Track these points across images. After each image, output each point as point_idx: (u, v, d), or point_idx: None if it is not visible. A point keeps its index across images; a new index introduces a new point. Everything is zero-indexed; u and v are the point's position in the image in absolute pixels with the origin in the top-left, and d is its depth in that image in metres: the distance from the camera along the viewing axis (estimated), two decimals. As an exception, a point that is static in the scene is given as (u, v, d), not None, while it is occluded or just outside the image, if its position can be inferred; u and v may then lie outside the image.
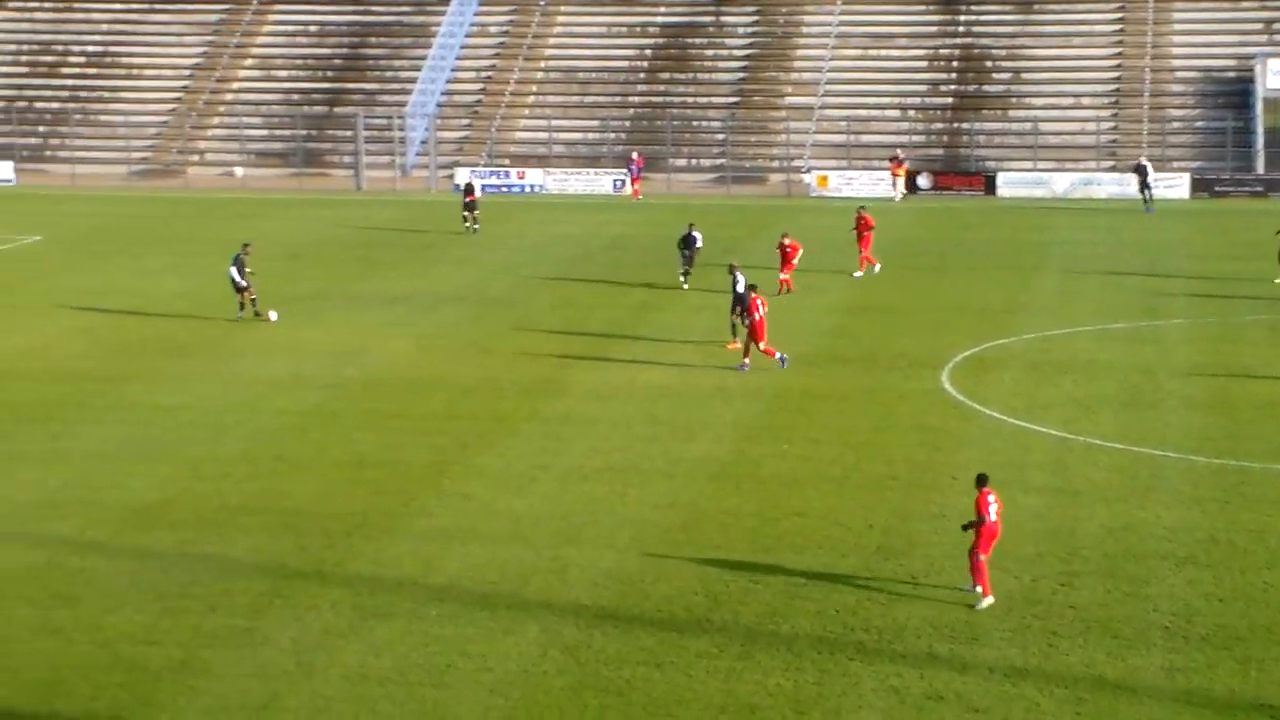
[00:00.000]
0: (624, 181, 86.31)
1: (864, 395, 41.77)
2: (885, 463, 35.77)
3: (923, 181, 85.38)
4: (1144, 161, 79.90)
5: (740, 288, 45.83)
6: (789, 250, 55.01)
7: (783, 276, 54.75)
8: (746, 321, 44.30)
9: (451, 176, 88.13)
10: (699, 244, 56.92)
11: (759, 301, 44.13)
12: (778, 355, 44.08)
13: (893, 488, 34.06)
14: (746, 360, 43.92)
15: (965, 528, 28.10)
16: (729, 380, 43.14)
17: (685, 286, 56.08)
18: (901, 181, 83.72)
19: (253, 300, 51.12)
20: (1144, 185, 78.27)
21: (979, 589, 27.55)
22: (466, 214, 71.38)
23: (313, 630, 26.59)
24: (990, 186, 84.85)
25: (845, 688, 24.64)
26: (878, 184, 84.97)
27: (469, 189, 72.55)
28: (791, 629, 26.69)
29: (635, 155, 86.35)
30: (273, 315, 50.65)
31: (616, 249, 66.82)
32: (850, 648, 25.98)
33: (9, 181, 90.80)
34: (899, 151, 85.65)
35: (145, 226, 73.97)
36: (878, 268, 59.54)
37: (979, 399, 41.22)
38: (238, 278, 51.04)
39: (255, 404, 40.96)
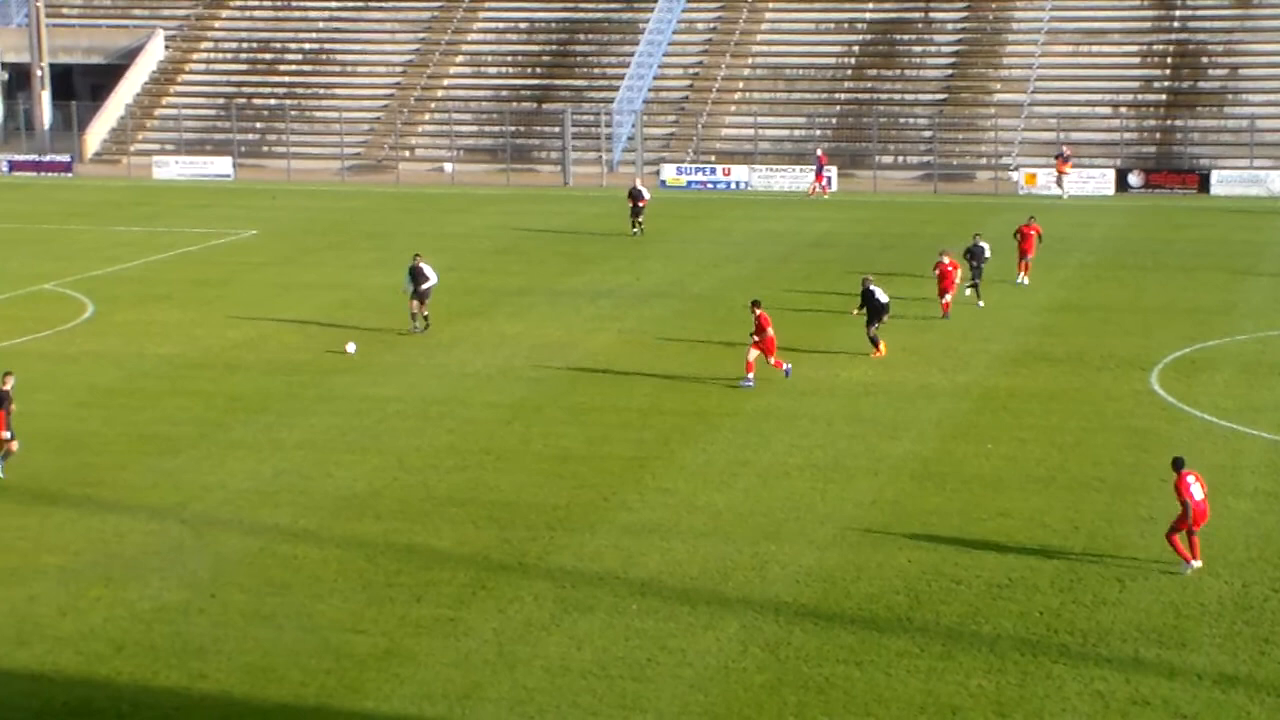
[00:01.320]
0: (829, 179, 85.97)
1: (1071, 395, 41.23)
2: (1092, 464, 35.30)
3: (1134, 180, 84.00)
4: None
5: (883, 299, 45.03)
6: (948, 270, 50.19)
7: (945, 300, 50.27)
8: (757, 338, 42.00)
9: (658, 173, 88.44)
10: (987, 254, 53.36)
11: (765, 319, 41.93)
12: (785, 366, 42.39)
13: (1100, 489, 33.60)
14: (751, 375, 41.94)
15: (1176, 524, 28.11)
16: (933, 378, 42.84)
17: (980, 304, 52.32)
18: (1067, 179, 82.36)
19: (425, 315, 48.87)
20: None
21: (1186, 562, 28.27)
22: (634, 220, 69.03)
23: (515, 621, 26.88)
24: (1204, 185, 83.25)
25: (1048, 690, 24.37)
26: (1086, 182, 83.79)
27: (637, 194, 69.55)
28: (994, 630, 26.45)
29: (820, 152, 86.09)
30: (350, 348, 46.18)
31: (822, 246, 66.62)
32: (1054, 650, 25.68)
33: (227, 176, 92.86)
34: (1065, 148, 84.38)
35: (356, 221, 75.25)
36: (1024, 280, 56.33)
37: (1189, 401, 40.50)
38: (409, 286, 48.87)
39: (462, 396, 41.50)
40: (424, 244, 67.11)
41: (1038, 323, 50.16)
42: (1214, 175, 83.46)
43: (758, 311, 42.13)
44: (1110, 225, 71.55)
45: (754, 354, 41.99)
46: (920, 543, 30.35)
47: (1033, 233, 57.01)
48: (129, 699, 24.11)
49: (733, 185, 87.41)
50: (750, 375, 41.89)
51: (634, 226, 68.92)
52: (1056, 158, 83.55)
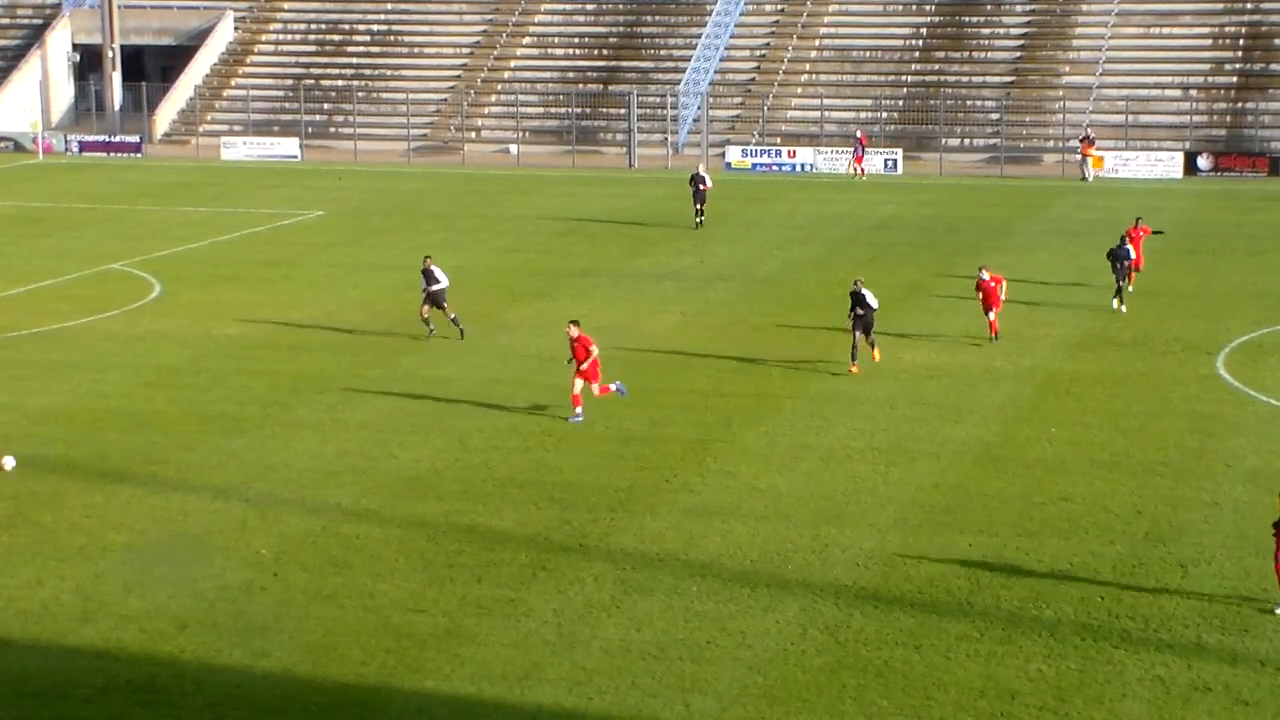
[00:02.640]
0: (895, 161, 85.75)
1: (1136, 380, 41.00)
2: (1156, 448, 35.10)
3: (1203, 163, 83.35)
4: None
5: (873, 303, 41.21)
6: (991, 286, 44.58)
7: (991, 318, 44.68)
8: (573, 363, 37.15)
9: (723, 155, 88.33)
10: (1131, 257, 49.28)
11: (588, 344, 36.89)
12: (614, 386, 37.56)
13: (1163, 474, 33.41)
14: (579, 410, 37.09)
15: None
16: (996, 362, 42.66)
17: (1122, 309, 48.49)
18: (1090, 162, 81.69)
19: (453, 319, 46.05)
20: None
21: None
22: (697, 206, 66.14)
23: (575, 603, 26.96)
24: (1275, 168, 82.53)
25: (1109, 676, 24.26)
26: (1155, 165, 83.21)
27: (699, 179, 66.79)
28: (1054, 615, 26.35)
29: (860, 134, 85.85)
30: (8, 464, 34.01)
31: (887, 229, 66.41)
32: (1115, 635, 25.57)
33: (294, 158, 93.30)
34: (1089, 131, 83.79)
35: (421, 203, 75.50)
36: (1128, 292, 49.86)
37: (1256, 386, 40.19)
38: (425, 288, 45.99)
39: (525, 377, 41.61)
40: (489, 225, 67.48)
41: (1103, 306, 49.82)
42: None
43: (575, 333, 36.84)
44: (1178, 209, 71.01)
45: (579, 384, 36.95)
46: (981, 527, 30.27)
47: (1141, 235, 52.29)
48: (192, 676, 24.31)
49: (798, 168, 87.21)
50: (579, 410, 37.04)
51: (697, 215, 66.14)
52: (1082, 140, 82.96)
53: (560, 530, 30.38)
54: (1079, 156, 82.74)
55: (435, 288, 45.73)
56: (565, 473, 33.78)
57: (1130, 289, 49.59)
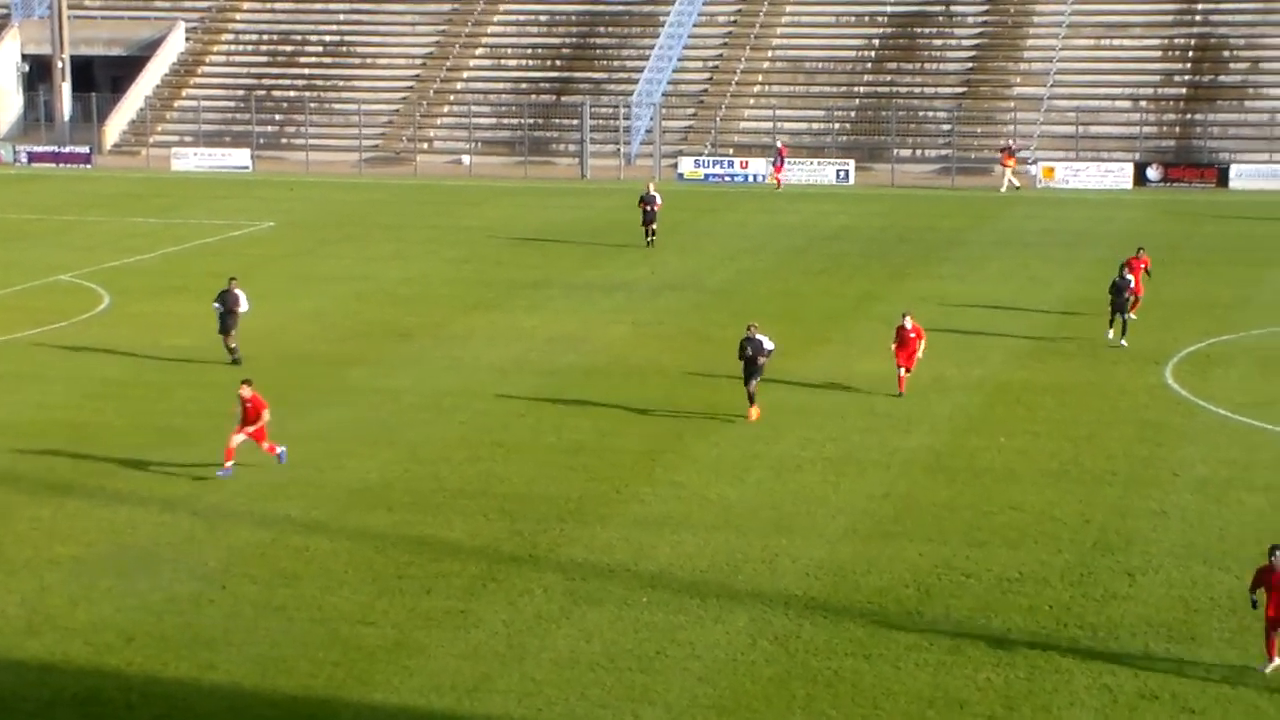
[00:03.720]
0: (847, 172, 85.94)
1: (1085, 389, 41.16)
2: (1105, 457, 35.24)
3: (1153, 174, 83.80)
4: None
5: (768, 347, 38.16)
6: (910, 337, 40.27)
7: (900, 373, 40.28)
8: (242, 422, 34.27)
9: (676, 165, 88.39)
10: (1131, 286, 46.47)
11: (261, 406, 34.20)
12: (278, 451, 34.66)
13: (1112, 483, 33.54)
14: (229, 465, 33.92)
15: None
16: (947, 371, 42.76)
17: (1123, 343, 45.44)
18: (1010, 173, 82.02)
19: (231, 347, 43.98)
20: None
21: (1270, 660, 24.80)
22: (646, 227, 63.54)
23: (525, 614, 26.90)
24: (1223, 179, 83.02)
25: (1057, 684, 24.34)
26: (1105, 175, 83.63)
27: (649, 198, 63.96)
28: (1003, 624, 26.42)
29: (780, 144, 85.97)
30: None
31: (839, 239, 66.54)
32: (1063, 644, 25.64)
33: (245, 169, 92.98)
34: (1010, 142, 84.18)
35: (373, 213, 75.30)
36: (1131, 317, 47.07)
37: (1204, 395, 40.40)
38: (220, 313, 44.11)
39: (475, 389, 41.52)
40: (441, 236, 67.34)
41: (1053, 316, 50.03)
42: (1233, 169, 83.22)
43: (248, 394, 34.28)
44: (1128, 219, 71.39)
45: (238, 438, 34.13)
46: (931, 536, 30.33)
47: (1142, 267, 49.22)
48: (138, 689, 24.17)
49: (750, 178, 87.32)
50: (230, 465, 33.88)
51: (647, 235, 63.72)
52: (1002, 150, 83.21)
53: (510, 541, 30.32)
54: (999, 168, 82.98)
55: (236, 311, 43.94)
56: (515, 484, 33.73)
57: (1134, 317, 46.93)
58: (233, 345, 44.08)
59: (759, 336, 38.23)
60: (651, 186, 66.82)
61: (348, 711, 23.58)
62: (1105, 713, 23.48)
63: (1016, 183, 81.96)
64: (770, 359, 38.55)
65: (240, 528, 31.16)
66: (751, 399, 38.24)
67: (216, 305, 44.46)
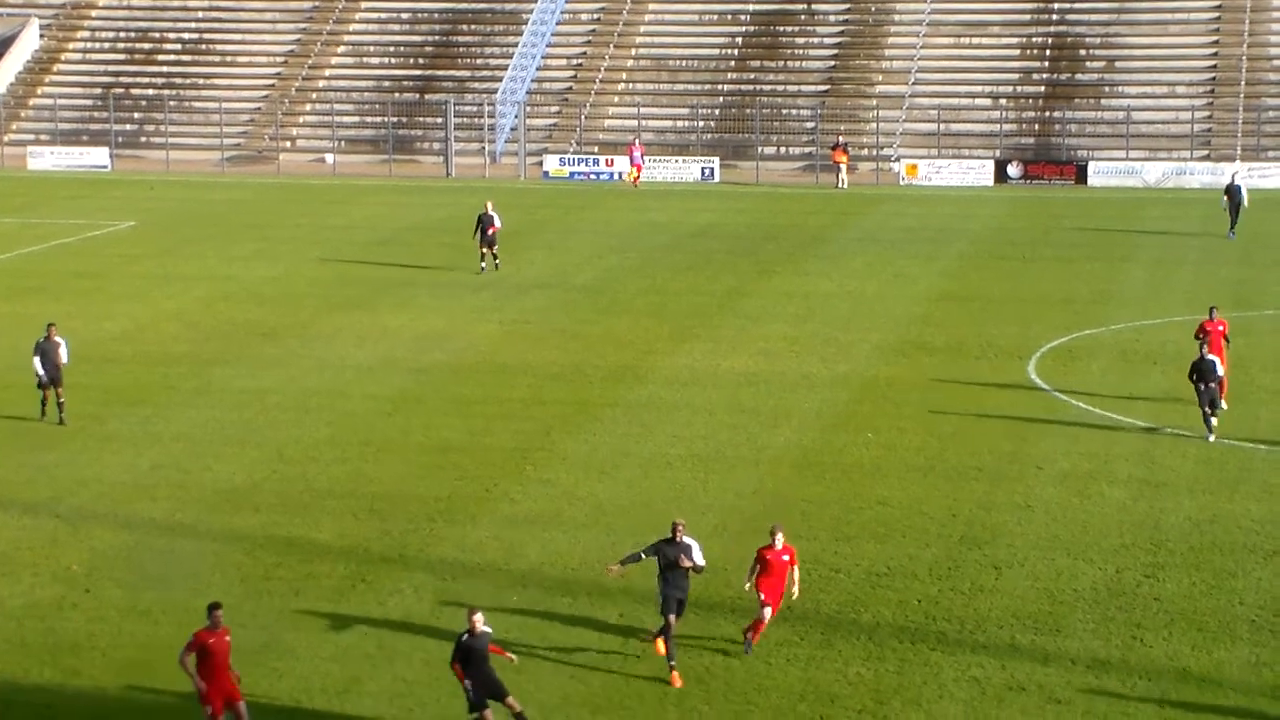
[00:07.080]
0: (712, 170, 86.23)
1: (950, 385, 41.54)
2: (971, 453, 35.60)
3: (1013, 171, 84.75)
4: (1237, 181, 68.07)
5: (700, 561, 25.33)
6: (783, 559, 25.69)
7: (765, 614, 25.42)
8: None
9: (541, 163, 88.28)
10: (1219, 372, 36.49)
11: None
12: None
13: (977, 478, 33.90)
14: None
15: None
16: (813, 368, 43.00)
17: (1210, 438, 36.08)
18: (844, 170, 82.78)
19: (60, 403, 38.08)
20: (1235, 207, 66.15)
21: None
22: (485, 250, 57.13)
23: (395, 614, 26.75)
24: (1081, 176, 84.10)
25: (926, 677, 24.57)
26: (967, 173, 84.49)
27: (487, 219, 57.49)
28: (873, 618, 26.63)
29: (636, 142, 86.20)
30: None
31: (705, 237, 66.71)
32: (932, 637, 25.89)
33: (104, 168, 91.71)
34: (840, 138, 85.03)
35: (236, 212, 74.52)
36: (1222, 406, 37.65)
37: (1066, 389, 40.93)
38: (40, 370, 38.05)
39: (342, 389, 41.22)
40: (305, 235, 66.77)
41: (918, 312, 50.48)
42: (1091, 166, 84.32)
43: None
44: (990, 216, 72.19)
45: None
46: (800, 532, 30.43)
47: (1222, 330, 39.22)
48: (0, 697, 23.75)
49: (616, 176, 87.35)
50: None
51: (483, 260, 57.12)
52: (833, 147, 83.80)
53: (379, 541, 30.13)
54: (832, 163, 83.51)
55: (60, 364, 38.11)
56: (384, 483, 33.52)
57: (1225, 406, 37.05)
58: (62, 400, 37.93)
59: (688, 540, 25.69)
60: (490, 206, 58.52)
61: (216, 716, 23.30)
62: (974, 705, 23.74)
63: (846, 181, 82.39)
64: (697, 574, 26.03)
65: (104, 530, 30.74)
66: (670, 652, 24.85)
67: (37, 360, 38.00)
